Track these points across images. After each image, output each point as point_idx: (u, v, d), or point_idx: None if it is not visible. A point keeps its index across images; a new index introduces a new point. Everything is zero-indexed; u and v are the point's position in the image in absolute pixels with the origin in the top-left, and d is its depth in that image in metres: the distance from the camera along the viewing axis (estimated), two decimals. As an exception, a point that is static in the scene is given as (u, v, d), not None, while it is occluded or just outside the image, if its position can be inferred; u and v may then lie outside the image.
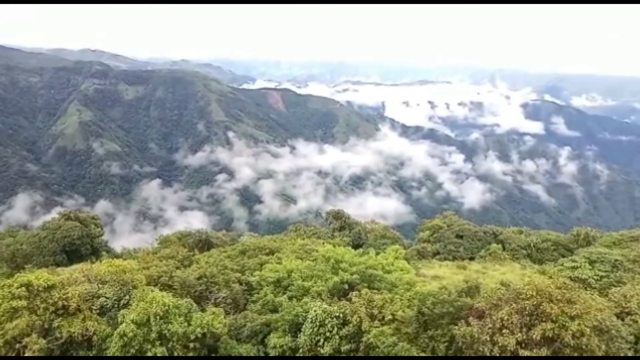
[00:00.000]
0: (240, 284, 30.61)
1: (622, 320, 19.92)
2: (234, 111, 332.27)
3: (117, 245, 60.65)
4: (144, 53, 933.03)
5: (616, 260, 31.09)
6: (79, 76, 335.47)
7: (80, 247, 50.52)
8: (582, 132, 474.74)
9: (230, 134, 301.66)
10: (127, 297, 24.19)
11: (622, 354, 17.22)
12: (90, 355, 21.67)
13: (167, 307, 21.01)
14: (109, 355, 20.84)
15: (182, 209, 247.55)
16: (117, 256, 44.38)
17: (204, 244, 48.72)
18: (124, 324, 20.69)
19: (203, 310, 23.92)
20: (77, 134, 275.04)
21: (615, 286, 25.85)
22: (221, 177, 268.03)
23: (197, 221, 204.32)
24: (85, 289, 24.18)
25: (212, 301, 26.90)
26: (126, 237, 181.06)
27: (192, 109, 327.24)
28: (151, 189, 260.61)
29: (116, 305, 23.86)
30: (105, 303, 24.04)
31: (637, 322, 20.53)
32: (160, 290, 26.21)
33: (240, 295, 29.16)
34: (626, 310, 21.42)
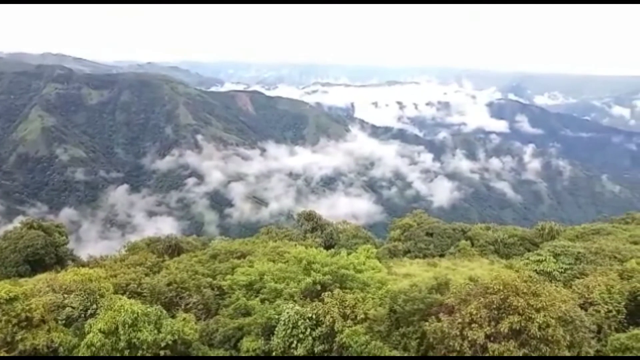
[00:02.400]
0: (212, 289, 30.29)
1: (586, 310, 20.55)
2: (203, 114, 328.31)
3: (84, 254, 58.94)
4: (108, 56, 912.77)
5: (579, 252, 32.03)
6: (40, 81, 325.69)
7: (44, 257, 49.03)
8: (545, 129, 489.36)
9: (199, 137, 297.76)
10: (94, 306, 23.57)
11: (585, 344, 17.77)
12: None
13: (135, 315, 20.56)
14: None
15: (151, 214, 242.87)
16: (83, 265, 43.19)
17: (174, 249, 47.91)
18: (91, 334, 20.18)
19: (174, 316, 23.54)
20: (40, 140, 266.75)
21: (578, 278, 26.61)
22: (190, 181, 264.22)
23: (166, 226, 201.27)
24: (50, 300, 23.48)
25: (183, 307, 26.52)
26: (93, 245, 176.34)
27: (159, 113, 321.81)
28: (118, 195, 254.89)
29: (83, 315, 23.23)
30: (71, 313, 23.37)
31: (599, 312, 21.24)
32: (129, 298, 25.71)
33: (212, 300, 28.85)
34: (589, 300, 22.12)
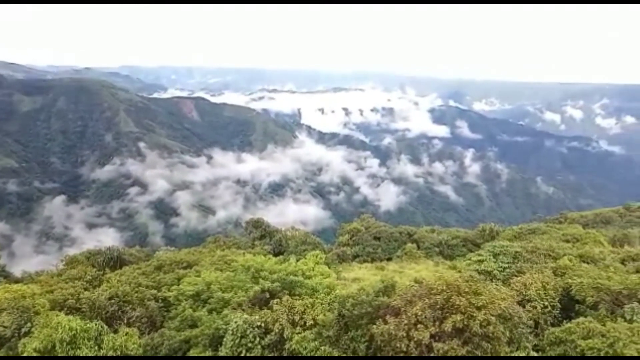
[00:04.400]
0: (157, 301, 29.33)
1: (524, 307, 21.49)
2: (145, 121, 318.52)
3: (17, 270, 55.32)
4: (42, 60, 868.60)
5: (516, 252, 33.50)
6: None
7: (-28, 274, 45.69)
8: (483, 134, 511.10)
9: (142, 145, 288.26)
10: (29, 324, 22.29)
11: (524, 339, 18.61)
12: None
13: (74, 332, 19.62)
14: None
15: (91, 226, 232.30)
16: (16, 281, 40.64)
17: (116, 261, 45.96)
18: (25, 354, 19.05)
19: (116, 331, 22.60)
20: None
21: (516, 276, 27.68)
22: (133, 190, 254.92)
23: (108, 238, 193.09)
24: (-22, 320, 21.99)
25: (125, 321, 25.50)
26: (27, 261, 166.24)
27: (98, 120, 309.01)
28: (55, 207, 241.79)
29: (16, 335, 21.90)
30: (2, 333, 21.98)
31: (536, 308, 22.29)
32: (67, 314, 24.52)
33: (157, 313, 27.94)
34: (526, 297, 23.15)
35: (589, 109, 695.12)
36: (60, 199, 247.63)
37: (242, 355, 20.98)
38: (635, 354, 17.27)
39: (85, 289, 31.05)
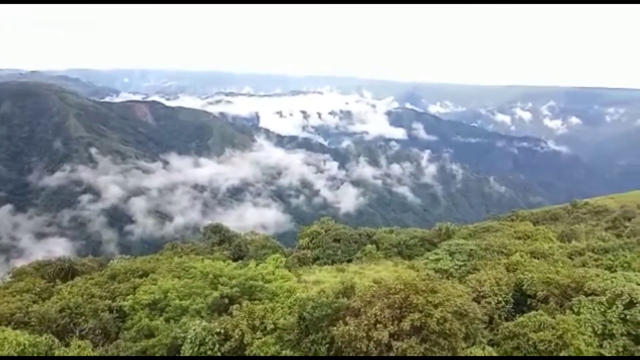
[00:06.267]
0: (111, 312, 28.38)
1: (479, 303, 22.03)
2: (96, 126, 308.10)
3: (-41, 284, 52.32)
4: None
5: (471, 249, 34.43)
6: None
7: None
8: (438, 136, 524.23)
9: (93, 151, 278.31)
10: (-28, 342, 21.02)
11: (479, 334, 19.12)
12: None
13: (22, 347, 18.73)
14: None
15: (40, 236, 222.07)
16: (-42, 296, 38.34)
17: (67, 272, 44.12)
18: (-33, 374, 18.02)
19: (67, 345, 21.69)
20: None
21: (471, 273, 28.41)
22: (85, 197, 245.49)
23: (58, 248, 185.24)
24: None
25: (78, 334, 24.51)
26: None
27: (47, 125, 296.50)
28: (0, 216, 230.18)
29: (-43, 353, 20.61)
30: (-58, 352, 20.65)
31: (490, 303, 22.92)
32: (14, 329, 23.37)
33: (111, 324, 27.01)
34: (481, 294, 23.77)
35: (537, 110, 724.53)
36: (6, 208, 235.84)
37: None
38: (583, 344, 18.09)
39: (34, 302, 29.74)
